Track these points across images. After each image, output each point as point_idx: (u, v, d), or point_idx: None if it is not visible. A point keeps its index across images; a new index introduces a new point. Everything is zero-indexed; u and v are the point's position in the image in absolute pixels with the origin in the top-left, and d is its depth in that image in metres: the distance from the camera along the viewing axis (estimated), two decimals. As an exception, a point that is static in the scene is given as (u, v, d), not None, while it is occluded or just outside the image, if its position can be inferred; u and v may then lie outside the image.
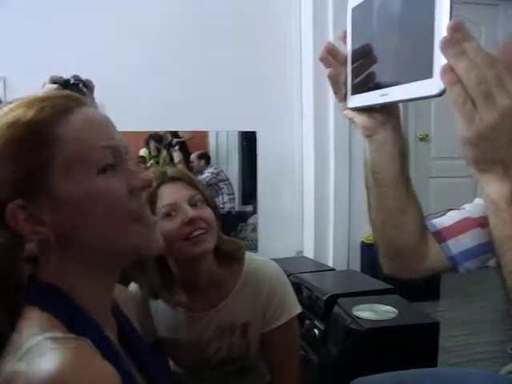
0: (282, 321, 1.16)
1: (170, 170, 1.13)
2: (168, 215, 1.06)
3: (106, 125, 0.65)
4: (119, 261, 0.68)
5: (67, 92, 0.67)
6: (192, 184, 1.12)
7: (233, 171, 3.13)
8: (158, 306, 1.16)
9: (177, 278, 1.14)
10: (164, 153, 2.98)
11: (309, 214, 3.03)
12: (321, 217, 2.95)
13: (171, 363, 1.25)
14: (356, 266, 2.91)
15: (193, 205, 1.09)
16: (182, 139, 3.00)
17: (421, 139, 3.54)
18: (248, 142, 3.08)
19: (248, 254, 1.22)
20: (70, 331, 0.57)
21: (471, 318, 2.69)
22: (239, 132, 3.08)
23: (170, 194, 1.08)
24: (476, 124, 0.52)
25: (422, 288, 2.42)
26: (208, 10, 2.86)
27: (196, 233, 1.06)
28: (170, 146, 2.99)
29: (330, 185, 2.92)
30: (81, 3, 2.69)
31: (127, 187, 0.63)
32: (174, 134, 3.00)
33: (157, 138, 2.97)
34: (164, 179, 1.09)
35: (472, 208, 0.89)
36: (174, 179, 1.10)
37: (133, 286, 1.17)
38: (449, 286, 2.96)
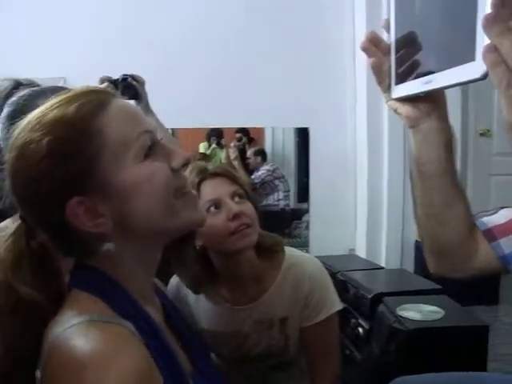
0: (321, 317, 1.16)
1: (211, 166, 1.14)
2: (211, 211, 1.08)
3: (136, 112, 0.69)
4: (167, 237, 0.72)
5: (97, 87, 0.71)
6: (233, 179, 1.13)
7: (289, 168, 3.13)
8: (199, 298, 1.19)
9: (218, 270, 1.16)
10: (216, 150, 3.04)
11: (362, 211, 2.98)
12: (374, 214, 2.89)
13: (212, 355, 1.28)
14: (409, 265, 2.82)
15: (235, 200, 1.11)
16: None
17: (482, 134, 3.37)
18: (301, 138, 3.07)
19: (289, 250, 1.22)
20: (114, 313, 0.61)
21: (532, 324, 2.54)
22: (295, 129, 3.07)
23: (212, 189, 1.09)
24: None
25: (478, 291, 2.31)
26: (261, 8, 2.88)
27: (241, 228, 1.08)
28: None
29: (384, 182, 2.86)
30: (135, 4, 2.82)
31: (169, 166, 0.67)
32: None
33: (217, 133, 3.02)
34: (205, 175, 1.11)
35: None
36: (215, 175, 1.12)
37: (174, 280, 1.21)
38: (509, 290, 2.81)
